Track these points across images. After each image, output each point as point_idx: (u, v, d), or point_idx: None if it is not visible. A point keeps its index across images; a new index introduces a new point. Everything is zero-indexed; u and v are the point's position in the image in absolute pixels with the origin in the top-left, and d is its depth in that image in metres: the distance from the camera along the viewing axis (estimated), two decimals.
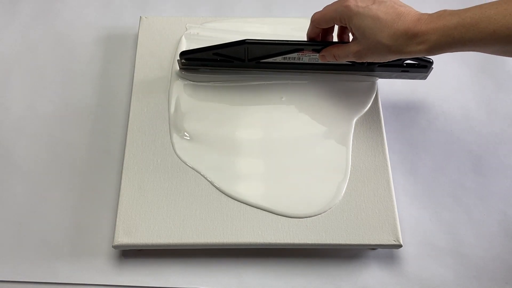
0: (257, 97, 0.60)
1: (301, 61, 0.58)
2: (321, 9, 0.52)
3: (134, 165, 0.55)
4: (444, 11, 0.45)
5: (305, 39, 0.56)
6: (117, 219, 0.52)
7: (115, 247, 0.51)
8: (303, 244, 0.51)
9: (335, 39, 0.56)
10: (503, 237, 0.56)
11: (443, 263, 0.54)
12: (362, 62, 0.56)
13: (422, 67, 0.57)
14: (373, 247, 0.53)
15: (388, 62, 0.55)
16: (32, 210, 0.56)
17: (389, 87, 0.65)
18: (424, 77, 0.60)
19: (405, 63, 0.56)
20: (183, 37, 0.64)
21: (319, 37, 0.55)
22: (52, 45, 0.69)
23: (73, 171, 0.59)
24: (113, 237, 0.51)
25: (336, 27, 0.55)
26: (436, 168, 0.60)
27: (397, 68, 0.57)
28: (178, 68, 0.61)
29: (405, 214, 0.57)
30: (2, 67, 0.66)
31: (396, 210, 0.53)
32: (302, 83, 0.61)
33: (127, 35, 0.69)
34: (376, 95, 0.60)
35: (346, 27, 0.52)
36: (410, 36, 0.45)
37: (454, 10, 0.44)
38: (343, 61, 0.53)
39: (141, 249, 0.53)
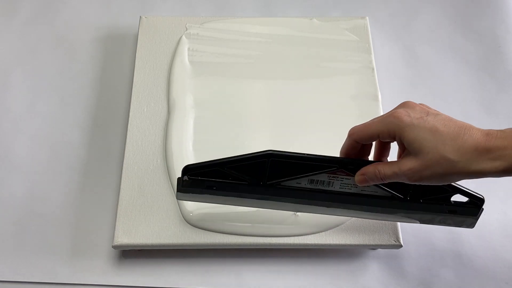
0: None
1: (331, 188, 0.47)
2: (360, 124, 0.44)
3: (134, 165, 0.55)
4: None
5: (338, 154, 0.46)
6: (117, 219, 0.52)
7: (115, 247, 0.51)
8: (303, 244, 0.51)
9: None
10: (503, 237, 0.56)
11: (443, 263, 0.54)
12: (404, 196, 0.47)
13: (471, 208, 0.48)
14: (373, 247, 0.53)
15: (433, 200, 0.47)
16: (32, 210, 0.56)
17: (389, 86, 0.65)
18: (472, 225, 0.49)
19: (453, 201, 0.47)
20: (183, 37, 0.64)
21: (355, 156, 0.46)
22: (52, 45, 0.69)
23: (73, 171, 0.59)
24: (113, 237, 0.51)
25: (373, 148, 0.47)
26: None
27: (443, 207, 0.47)
28: (176, 191, 0.48)
29: None
30: (2, 67, 0.66)
31: None
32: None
33: (127, 35, 0.69)
34: (377, 97, 0.60)
35: (386, 146, 0.46)
36: (481, 151, 0.38)
37: None
38: (390, 181, 0.43)
39: (141, 249, 0.53)
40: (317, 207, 0.49)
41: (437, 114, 0.40)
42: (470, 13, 0.74)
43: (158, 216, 0.52)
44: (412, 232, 0.56)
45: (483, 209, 0.48)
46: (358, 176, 0.44)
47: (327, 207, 0.49)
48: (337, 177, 0.46)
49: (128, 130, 0.57)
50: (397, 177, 0.41)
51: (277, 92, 0.61)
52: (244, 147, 0.57)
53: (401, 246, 0.52)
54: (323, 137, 0.58)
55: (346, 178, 0.46)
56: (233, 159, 0.46)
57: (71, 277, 0.52)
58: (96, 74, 0.66)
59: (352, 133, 0.44)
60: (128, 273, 0.53)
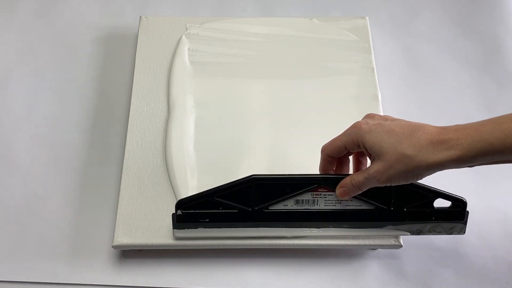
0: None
1: (316, 208, 0.49)
2: (330, 140, 0.47)
3: (134, 165, 0.55)
4: (470, 123, 0.41)
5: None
6: (117, 219, 0.52)
7: (115, 247, 0.51)
8: (303, 244, 0.51)
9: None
10: (503, 237, 0.56)
11: (443, 263, 0.54)
12: (388, 207, 0.49)
13: (456, 211, 0.50)
14: (373, 247, 0.53)
15: (416, 208, 0.49)
16: (32, 210, 0.56)
17: (389, 86, 0.65)
18: (462, 230, 0.51)
19: (437, 207, 0.49)
20: (183, 37, 0.64)
21: (333, 171, 0.49)
22: (52, 45, 0.69)
23: (73, 171, 0.59)
24: (113, 237, 0.51)
25: (351, 163, 0.50)
26: None
27: (428, 213, 0.50)
28: (172, 228, 0.50)
29: None
30: (2, 67, 0.66)
31: None
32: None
33: (127, 35, 0.69)
34: (377, 97, 0.60)
35: (361, 159, 0.48)
36: (436, 144, 0.40)
37: (480, 121, 0.40)
38: (365, 187, 0.45)
39: (141, 249, 0.53)
40: (307, 229, 0.50)
41: (394, 119, 0.44)
42: (470, 13, 0.74)
43: (158, 216, 0.52)
44: None
45: (468, 212, 0.50)
46: (338, 190, 0.47)
47: (317, 227, 0.50)
48: (320, 195, 0.48)
49: (128, 130, 0.57)
50: (369, 182, 0.44)
51: (277, 92, 0.61)
52: (244, 147, 0.57)
53: (401, 246, 0.51)
54: (323, 137, 0.57)
55: (329, 195, 0.48)
56: (219, 188, 0.47)
57: (71, 277, 0.52)
58: (96, 74, 0.66)
59: (323, 149, 0.47)
60: (128, 273, 0.53)
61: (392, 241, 0.51)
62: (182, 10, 0.73)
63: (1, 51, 0.68)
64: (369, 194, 0.48)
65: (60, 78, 0.66)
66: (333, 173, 0.49)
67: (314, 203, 0.49)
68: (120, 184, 0.54)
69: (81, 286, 0.52)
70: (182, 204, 0.48)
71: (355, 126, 0.44)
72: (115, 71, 0.66)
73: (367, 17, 0.67)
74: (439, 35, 0.71)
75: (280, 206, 0.49)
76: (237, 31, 0.65)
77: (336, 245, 0.51)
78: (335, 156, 0.47)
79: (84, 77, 0.66)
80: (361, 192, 0.46)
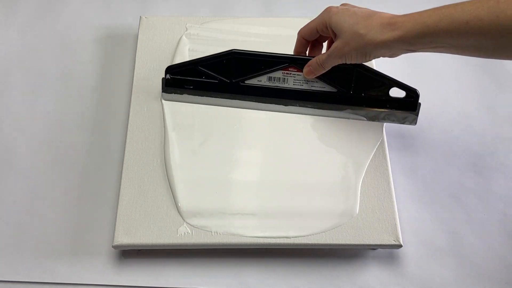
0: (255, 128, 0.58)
1: (286, 86, 0.56)
2: None
3: (134, 165, 0.55)
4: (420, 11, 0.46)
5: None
6: (117, 219, 0.52)
7: (115, 247, 0.51)
8: (303, 244, 0.51)
9: None
10: (503, 237, 0.56)
11: (443, 263, 0.54)
12: (348, 90, 0.56)
13: (409, 102, 0.56)
14: (373, 247, 0.53)
15: (374, 92, 0.56)
16: (32, 210, 0.56)
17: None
18: (414, 121, 0.58)
19: (391, 97, 0.56)
20: (183, 37, 0.64)
21: (306, 53, 0.56)
22: (52, 45, 0.69)
23: (73, 171, 0.59)
24: (113, 237, 0.51)
25: (325, 47, 0.55)
26: (436, 168, 0.60)
27: (384, 101, 0.56)
28: (162, 91, 0.58)
29: (405, 214, 0.57)
30: (2, 67, 0.66)
31: (396, 210, 0.53)
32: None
33: (127, 35, 0.69)
34: None
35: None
36: (385, 25, 0.46)
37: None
38: (329, 66, 0.52)
39: (141, 249, 0.53)
40: (276, 105, 0.57)
41: (362, 7, 0.50)
42: None
43: (158, 216, 0.52)
44: (412, 232, 0.56)
45: (420, 104, 0.56)
46: (305, 69, 0.54)
47: (284, 104, 0.57)
48: (290, 74, 0.55)
49: (128, 130, 0.57)
50: (330, 59, 0.51)
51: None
52: (243, 145, 0.57)
53: (401, 246, 0.52)
54: (322, 132, 0.58)
55: (297, 74, 0.55)
56: (203, 58, 0.55)
57: (71, 277, 0.52)
58: (96, 74, 0.66)
59: (299, 31, 0.54)
60: (128, 273, 0.53)
61: (392, 241, 0.51)
62: (182, 10, 0.73)
63: (1, 51, 0.68)
64: (333, 77, 0.55)
65: (60, 78, 0.66)
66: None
67: (284, 81, 0.56)
68: (120, 184, 0.54)
69: (81, 286, 0.52)
70: (171, 69, 0.56)
71: (326, 9, 0.51)
72: (115, 71, 0.66)
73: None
74: None
75: (254, 82, 0.56)
76: (237, 31, 0.65)
77: (336, 245, 0.51)
78: (308, 38, 0.54)
79: (84, 77, 0.66)
80: (324, 71, 0.53)
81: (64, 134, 0.61)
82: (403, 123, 0.58)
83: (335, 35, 0.50)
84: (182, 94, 0.58)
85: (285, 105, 0.57)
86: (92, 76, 0.66)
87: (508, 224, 0.57)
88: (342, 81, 0.55)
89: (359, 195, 0.54)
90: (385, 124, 0.59)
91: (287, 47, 0.58)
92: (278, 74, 0.55)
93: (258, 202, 0.53)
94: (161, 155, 0.56)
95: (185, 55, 0.63)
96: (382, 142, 0.57)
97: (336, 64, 0.51)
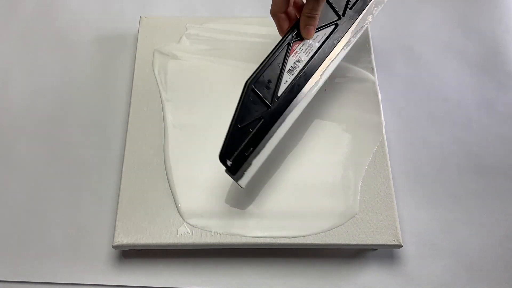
0: None
1: (303, 62, 0.52)
2: None
3: (134, 165, 0.55)
4: None
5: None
6: (117, 219, 0.52)
7: (115, 247, 0.51)
8: (303, 244, 0.51)
9: None
10: (503, 237, 0.56)
11: (443, 263, 0.54)
12: (339, 17, 0.55)
13: None
14: (373, 247, 0.53)
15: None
16: (32, 210, 0.56)
17: (389, 86, 0.65)
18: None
19: None
20: (183, 37, 0.64)
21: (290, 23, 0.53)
22: (52, 45, 0.69)
23: (73, 171, 0.59)
24: (113, 237, 0.51)
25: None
26: (436, 168, 0.60)
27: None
28: (235, 182, 0.50)
29: (405, 214, 0.57)
30: (2, 67, 0.66)
31: (396, 210, 0.53)
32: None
33: (127, 35, 0.69)
34: (377, 97, 0.60)
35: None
36: None
37: None
38: (319, 10, 0.51)
39: (141, 249, 0.53)
40: (321, 78, 0.53)
41: None
42: (470, 13, 0.74)
43: (158, 216, 0.52)
44: (412, 232, 0.56)
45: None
46: (303, 32, 0.52)
47: (323, 70, 0.53)
48: (298, 50, 0.52)
49: (128, 130, 0.57)
50: (317, 2, 0.50)
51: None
52: None
53: (401, 246, 0.52)
54: (322, 132, 0.58)
55: (303, 45, 0.52)
56: (234, 116, 0.49)
57: (71, 277, 0.52)
58: (96, 74, 0.66)
59: (271, 12, 0.53)
60: (128, 273, 0.53)
61: (392, 241, 0.51)
62: (182, 10, 0.73)
63: (1, 51, 0.68)
64: (323, 21, 0.53)
65: (60, 78, 0.66)
66: (288, 20, 0.52)
67: (299, 61, 0.52)
68: (120, 184, 0.54)
69: (81, 286, 0.52)
70: (224, 155, 0.49)
71: None
72: (115, 71, 0.66)
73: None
74: (439, 35, 0.71)
75: (283, 86, 0.51)
76: (237, 31, 0.65)
77: (336, 245, 0.51)
78: (283, 9, 0.52)
79: (84, 77, 0.66)
80: (318, 18, 0.51)
81: (64, 134, 0.61)
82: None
83: None
84: (250, 163, 0.50)
85: (324, 69, 0.54)
86: (92, 76, 0.66)
87: (508, 224, 0.57)
88: (332, 18, 0.54)
89: (359, 195, 0.54)
90: (384, 124, 0.59)
91: None
92: (291, 61, 0.52)
93: (258, 202, 0.53)
94: (161, 155, 0.56)
95: (185, 55, 0.63)
96: (382, 142, 0.57)
97: (323, 2, 0.50)
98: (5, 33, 0.70)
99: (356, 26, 0.56)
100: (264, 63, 0.50)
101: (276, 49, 0.51)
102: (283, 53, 0.51)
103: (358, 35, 0.56)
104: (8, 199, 0.57)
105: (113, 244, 0.51)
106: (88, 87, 0.65)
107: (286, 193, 0.54)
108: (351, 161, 0.56)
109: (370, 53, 0.64)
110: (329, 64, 0.54)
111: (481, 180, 0.60)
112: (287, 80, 0.51)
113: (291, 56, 0.52)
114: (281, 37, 0.52)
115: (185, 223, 0.52)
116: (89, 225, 0.55)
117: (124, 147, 0.56)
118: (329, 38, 0.54)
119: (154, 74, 0.61)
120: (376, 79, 0.62)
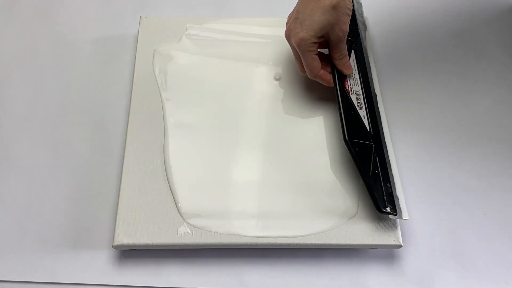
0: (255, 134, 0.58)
1: (359, 87, 0.58)
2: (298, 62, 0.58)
3: (134, 165, 0.55)
4: None
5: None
6: (117, 219, 0.52)
7: (115, 247, 0.51)
8: (303, 244, 0.51)
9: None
10: (503, 237, 0.56)
11: (443, 263, 0.54)
12: (348, 36, 0.58)
13: None
14: (373, 247, 0.53)
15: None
16: (32, 210, 0.56)
17: (393, 86, 0.65)
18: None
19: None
20: (183, 37, 0.64)
21: (324, 70, 0.57)
22: (52, 45, 0.69)
23: (73, 171, 0.59)
24: (113, 237, 0.51)
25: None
26: (437, 168, 0.60)
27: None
28: (397, 218, 0.52)
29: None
30: (2, 67, 0.66)
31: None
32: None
33: (127, 35, 0.69)
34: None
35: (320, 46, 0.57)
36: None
37: None
38: (346, 49, 0.56)
39: (141, 249, 0.53)
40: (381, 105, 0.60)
41: (294, 11, 0.56)
42: (471, 13, 0.74)
43: (158, 216, 0.52)
44: (412, 232, 0.56)
45: None
46: (344, 70, 0.57)
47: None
48: (350, 87, 0.57)
49: (128, 130, 0.57)
50: (341, 44, 0.56)
51: (277, 91, 0.61)
52: (243, 143, 0.57)
53: (401, 246, 0.52)
54: (322, 133, 0.58)
55: (349, 80, 0.57)
56: (361, 173, 0.52)
57: (71, 277, 0.52)
58: (96, 74, 0.66)
59: (313, 75, 0.57)
60: (128, 273, 0.53)
61: (392, 241, 0.51)
62: (182, 10, 0.73)
63: (1, 51, 0.68)
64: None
65: (60, 78, 0.66)
66: (327, 71, 0.57)
67: (358, 94, 0.57)
68: (120, 184, 0.54)
69: (81, 286, 0.52)
70: (382, 205, 0.51)
71: (292, 35, 0.55)
72: (115, 71, 0.66)
73: (367, 17, 0.67)
74: (439, 35, 0.71)
75: (367, 122, 0.55)
76: (237, 31, 0.65)
77: (336, 245, 0.51)
78: (320, 68, 0.56)
79: (84, 77, 0.66)
80: (347, 54, 0.57)
81: (64, 134, 0.61)
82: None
83: (324, 34, 0.54)
84: (396, 195, 0.53)
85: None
86: (92, 76, 0.66)
87: (508, 224, 0.57)
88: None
89: (359, 195, 0.54)
90: (387, 123, 0.59)
91: (287, 47, 0.58)
92: (354, 99, 0.56)
93: (258, 202, 0.53)
94: (161, 155, 0.56)
95: (185, 55, 0.63)
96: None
97: (345, 40, 0.56)
98: (5, 33, 0.70)
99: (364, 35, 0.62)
100: (341, 116, 0.54)
101: (339, 99, 0.55)
102: (346, 98, 0.56)
103: (365, 41, 0.62)
104: (8, 199, 0.57)
105: (113, 244, 0.51)
106: (88, 87, 0.65)
107: (286, 193, 0.54)
108: (351, 161, 0.56)
109: (370, 53, 0.64)
110: (372, 76, 0.61)
111: (481, 180, 0.60)
112: (364, 114, 0.56)
113: (351, 95, 0.56)
114: (331, 82, 0.57)
115: (185, 223, 0.52)
116: (89, 225, 0.55)
117: (124, 147, 0.56)
118: (357, 59, 0.59)
119: (154, 74, 0.62)
120: (376, 79, 0.62)
